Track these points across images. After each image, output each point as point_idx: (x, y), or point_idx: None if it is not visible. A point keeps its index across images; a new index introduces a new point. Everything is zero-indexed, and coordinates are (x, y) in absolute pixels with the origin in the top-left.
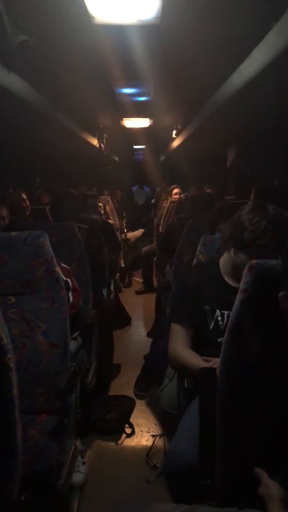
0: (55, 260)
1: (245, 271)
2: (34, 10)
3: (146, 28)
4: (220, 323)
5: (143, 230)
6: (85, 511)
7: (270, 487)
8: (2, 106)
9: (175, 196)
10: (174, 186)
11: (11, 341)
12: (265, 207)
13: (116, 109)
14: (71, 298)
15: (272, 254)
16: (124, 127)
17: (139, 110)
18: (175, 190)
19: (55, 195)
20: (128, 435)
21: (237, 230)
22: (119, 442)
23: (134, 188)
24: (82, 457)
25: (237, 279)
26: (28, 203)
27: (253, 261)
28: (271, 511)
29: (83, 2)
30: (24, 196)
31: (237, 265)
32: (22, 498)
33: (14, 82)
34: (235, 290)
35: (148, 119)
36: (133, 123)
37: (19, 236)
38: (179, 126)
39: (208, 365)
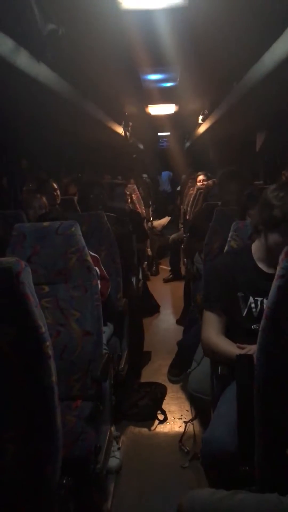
0: (86, 249)
1: (282, 256)
2: None
3: (174, 12)
4: (254, 310)
5: (169, 217)
6: (121, 495)
7: None
8: (32, 97)
9: (200, 184)
10: (199, 173)
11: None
12: (270, 177)
13: (142, 96)
14: (99, 286)
15: None
16: (149, 114)
17: (164, 96)
18: (200, 177)
19: (84, 185)
20: (161, 422)
21: (266, 210)
22: (152, 428)
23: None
24: (117, 443)
25: (272, 264)
26: (59, 193)
27: None
28: None
29: None
30: (56, 186)
31: (271, 248)
32: (64, 481)
33: (43, 72)
34: (269, 277)
35: (173, 105)
36: (158, 109)
37: (51, 226)
38: (205, 111)
39: (243, 352)
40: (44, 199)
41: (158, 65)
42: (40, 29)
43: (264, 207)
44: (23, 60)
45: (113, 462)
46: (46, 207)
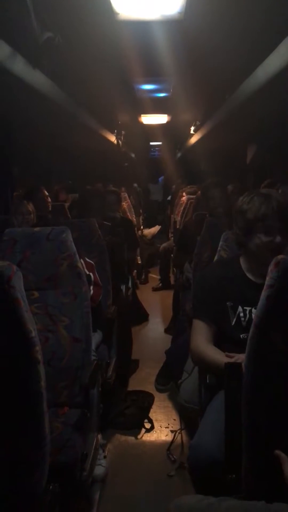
0: (77, 255)
1: (271, 267)
2: (60, 7)
3: (169, 24)
4: (243, 319)
5: (160, 227)
6: (106, 503)
7: None
8: (26, 103)
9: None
10: (190, 186)
11: None
12: (254, 189)
13: (135, 106)
14: (91, 291)
15: (280, 223)
16: (142, 124)
17: (157, 107)
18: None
19: (85, 194)
20: (148, 430)
21: (240, 218)
22: (139, 436)
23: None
24: (103, 451)
25: (260, 274)
26: (50, 200)
27: (280, 256)
28: None
29: None
30: (46, 193)
31: (256, 254)
32: (50, 487)
33: (38, 79)
34: (257, 287)
35: (166, 115)
36: (151, 119)
37: (42, 232)
38: (197, 123)
39: (232, 360)
40: (31, 205)
41: (152, 75)
42: (37, 36)
43: (238, 216)
44: (19, 66)
45: (99, 470)
46: (34, 213)
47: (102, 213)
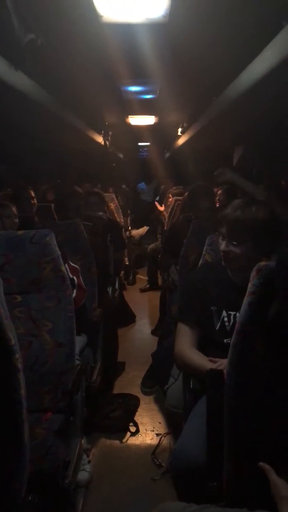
0: (61, 259)
1: (253, 274)
2: (43, 9)
3: (154, 27)
4: (227, 324)
5: (148, 227)
6: (90, 509)
7: (281, 487)
8: (9, 104)
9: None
10: (176, 187)
11: (17, 340)
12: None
13: (122, 107)
14: (74, 294)
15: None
16: (129, 124)
17: (144, 108)
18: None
19: (60, 193)
20: (133, 434)
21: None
22: (124, 440)
23: (141, 185)
24: (88, 456)
25: (244, 278)
26: (36, 201)
27: (262, 263)
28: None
29: (91, 1)
30: (33, 194)
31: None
32: (30, 497)
33: (21, 80)
34: (242, 291)
35: (153, 116)
36: (138, 120)
37: (25, 235)
38: (185, 124)
39: (214, 366)
40: (14, 208)
41: (139, 77)
42: (18, 37)
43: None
44: (1, 68)
45: (83, 475)
46: (16, 216)
47: (79, 214)
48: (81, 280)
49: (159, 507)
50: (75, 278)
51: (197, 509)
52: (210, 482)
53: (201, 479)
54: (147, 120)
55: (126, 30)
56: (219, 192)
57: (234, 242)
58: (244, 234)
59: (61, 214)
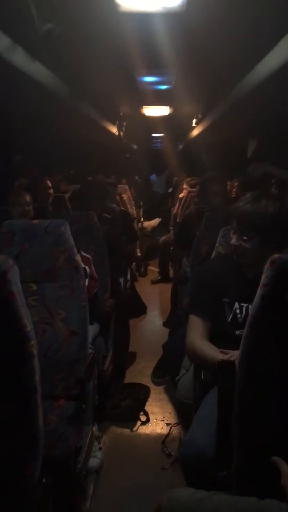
0: (75, 249)
1: (267, 265)
2: None
3: (171, 16)
4: (239, 316)
5: (160, 219)
6: (100, 495)
7: None
8: (25, 94)
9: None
10: (192, 178)
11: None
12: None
13: (137, 97)
14: (86, 283)
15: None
16: (143, 115)
17: (159, 99)
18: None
19: (81, 186)
20: (143, 423)
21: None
22: (134, 429)
23: (152, 177)
24: (99, 443)
25: (257, 270)
26: (52, 191)
27: (275, 256)
28: None
29: None
30: (49, 184)
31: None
32: (44, 480)
33: (38, 70)
34: (254, 283)
35: (168, 107)
36: (153, 111)
37: (40, 225)
38: (199, 115)
39: (226, 357)
40: (29, 196)
41: (154, 67)
42: (37, 28)
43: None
44: (19, 58)
45: (94, 462)
46: (31, 204)
47: (102, 205)
48: (93, 270)
49: (168, 493)
50: (86, 267)
51: (206, 496)
52: (219, 472)
53: (210, 469)
54: (162, 111)
55: (143, 19)
56: (236, 183)
57: (244, 237)
58: (252, 229)
59: (81, 207)
